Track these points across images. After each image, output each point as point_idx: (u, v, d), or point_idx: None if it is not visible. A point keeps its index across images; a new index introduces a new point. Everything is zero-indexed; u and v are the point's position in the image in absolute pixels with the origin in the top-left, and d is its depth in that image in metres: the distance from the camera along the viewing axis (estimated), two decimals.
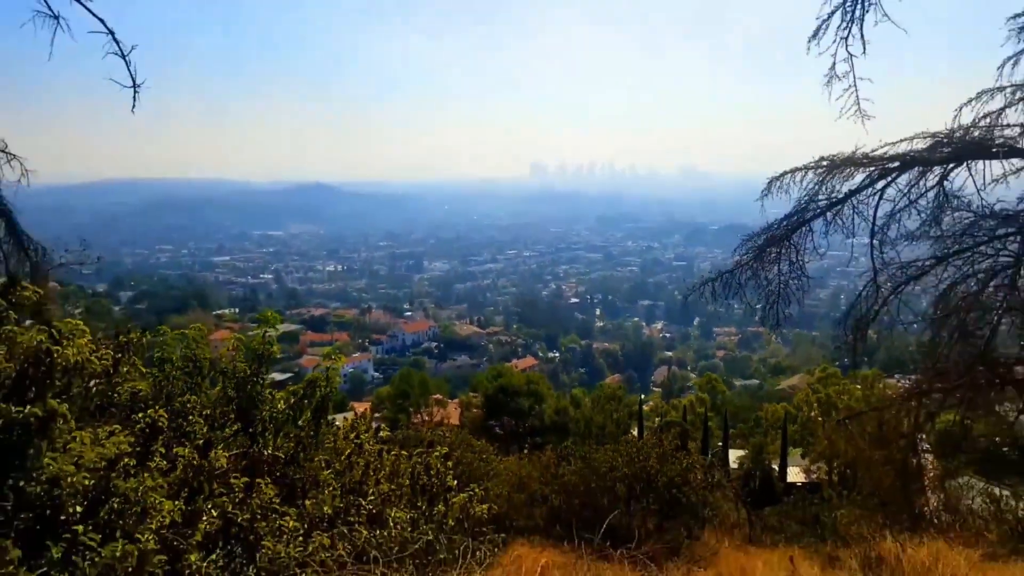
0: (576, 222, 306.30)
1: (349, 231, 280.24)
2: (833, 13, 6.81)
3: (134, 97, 9.60)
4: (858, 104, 6.99)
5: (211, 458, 3.35)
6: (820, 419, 31.51)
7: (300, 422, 4.56)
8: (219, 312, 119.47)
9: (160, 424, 3.13)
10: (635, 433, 33.85)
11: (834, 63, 6.87)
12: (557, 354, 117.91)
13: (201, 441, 3.63)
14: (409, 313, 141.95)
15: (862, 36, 6.93)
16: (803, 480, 28.92)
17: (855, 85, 6.96)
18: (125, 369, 3.76)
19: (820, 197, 7.10)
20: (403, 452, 4.28)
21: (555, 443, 24.39)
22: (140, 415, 3.51)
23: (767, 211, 7.34)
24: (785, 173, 7.38)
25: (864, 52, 6.99)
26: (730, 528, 15.80)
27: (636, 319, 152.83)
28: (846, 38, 6.83)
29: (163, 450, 3.13)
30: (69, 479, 2.68)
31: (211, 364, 4.74)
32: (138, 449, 3.05)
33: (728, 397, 47.05)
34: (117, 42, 9.59)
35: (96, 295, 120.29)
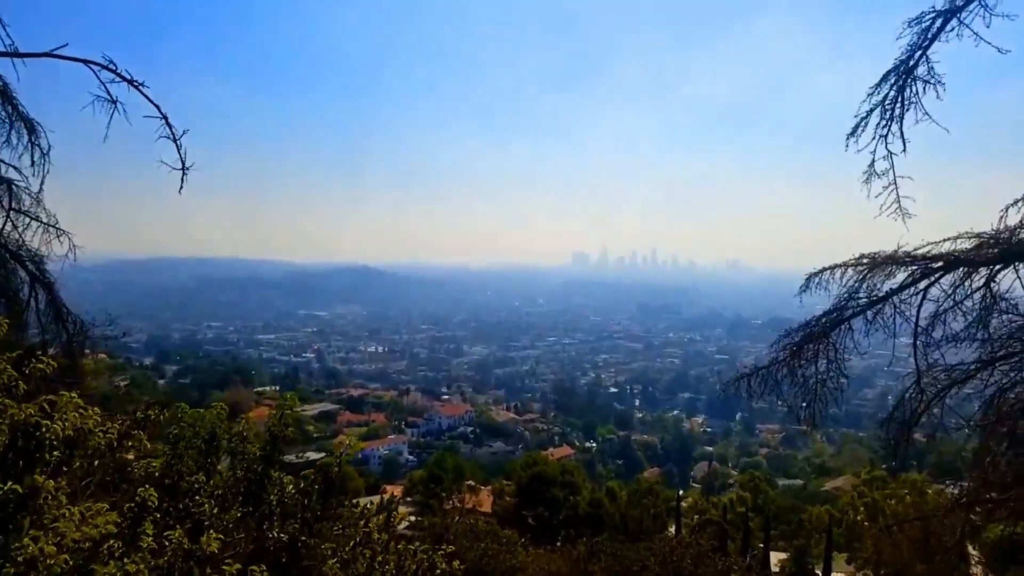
0: (617, 311, 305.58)
1: (392, 313, 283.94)
2: (872, 111, 6.80)
3: (182, 179, 9.97)
4: (898, 202, 6.88)
5: (202, 542, 3.22)
6: (866, 524, 30.07)
7: (308, 505, 4.43)
8: (260, 389, 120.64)
9: (150, 503, 3.02)
10: (672, 530, 32.66)
11: (873, 160, 6.82)
12: (594, 444, 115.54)
13: (191, 524, 3.52)
14: (447, 396, 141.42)
15: (902, 134, 6.89)
16: None
17: (895, 183, 6.88)
18: (131, 444, 3.71)
19: (860, 295, 6.90)
20: (410, 547, 4.08)
21: (589, 536, 23.57)
22: (131, 494, 3.42)
23: (805, 307, 7.16)
24: (824, 269, 7.23)
25: (904, 150, 6.94)
26: None
27: (676, 412, 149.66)
28: (885, 136, 6.79)
29: (150, 532, 3.01)
30: (48, 561, 2.59)
31: (228, 443, 4.67)
32: (126, 530, 2.95)
33: (771, 496, 45.29)
34: (170, 126, 10.02)
35: (143, 368, 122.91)
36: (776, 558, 32.75)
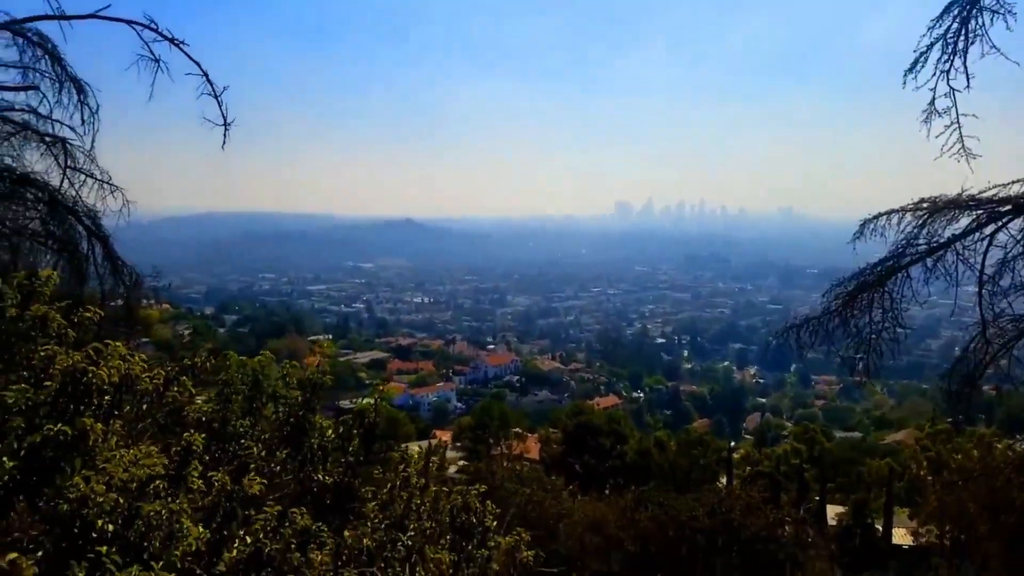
0: (663, 261, 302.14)
1: (435, 265, 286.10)
2: (932, 45, 6.38)
3: (224, 134, 10.01)
4: (961, 142, 6.50)
5: (244, 483, 3.27)
6: (929, 478, 29.40)
7: (350, 450, 4.48)
8: (314, 337, 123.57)
9: (195, 447, 3.08)
10: (723, 482, 32.51)
11: (933, 98, 6.43)
12: (641, 394, 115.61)
13: (235, 466, 3.58)
14: (492, 346, 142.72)
15: (966, 69, 6.46)
16: (911, 543, 26.89)
17: (958, 121, 6.48)
18: (176, 389, 3.78)
19: (919, 241, 6.57)
20: (443, 488, 4.11)
21: (636, 485, 23.71)
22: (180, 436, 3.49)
23: (860, 255, 6.86)
24: (880, 215, 6.90)
25: (968, 86, 6.51)
26: None
27: (727, 362, 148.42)
28: (947, 71, 6.38)
29: (196, 473, 3.08)
30: (98, 499, 2.65)
31: (271, 389, 4.74)
32: (172, 471, 3.01)
33: (827, 449, 44.64)
34: (211, 83, 10.04)
35: (204, 317, 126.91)
36: (833, 511, 32.33)
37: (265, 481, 3.47)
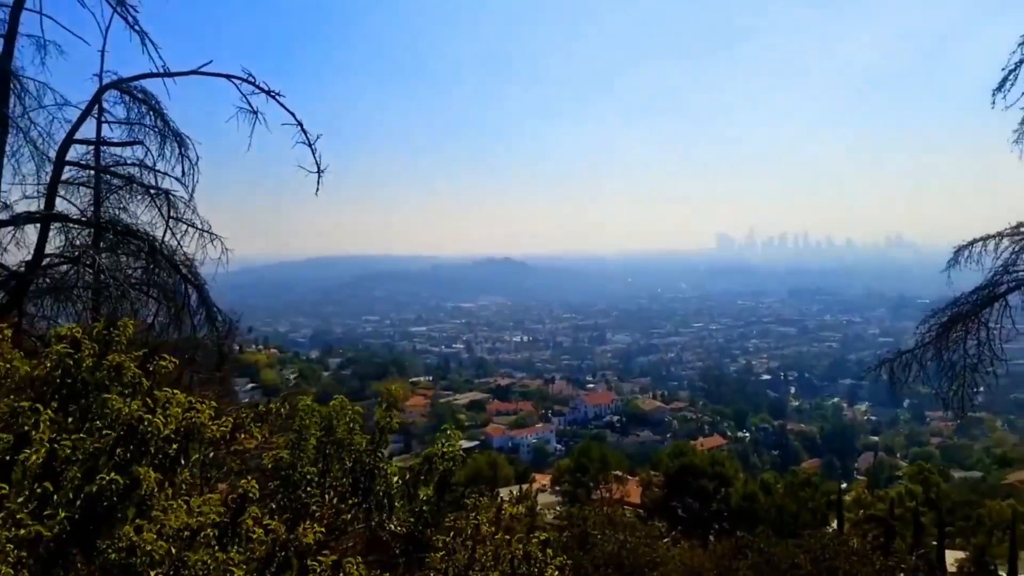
0: (766, 295, 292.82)
1: (534, 303, 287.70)
2: (1022, 61, 5.98)
3: (318, 181, 10.53)
4: None
5: (298, 532, 3.32)
6: None
7: (422, 496, 4.48)
8: (414, 379, 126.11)
9: (252, 495, 3.15)
10: (833, 526, 30.80)
11: None
12: (747, 434, 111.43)
13: (292, 514, 3.64)
14: (591, 385, 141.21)
15: None
16: None
17: None
18: (243, 436, 3.91)
19: (1018, 268, 6.12)
20: (506, 536, 4.03)
21: (744, 530, 22.75)
22: (242, 482, 3.60)
23: (954, 284, 6.44)
24: (975, 241, 6.48)
25: None
26: None
27: (836, 399, 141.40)
28: None
29: (250, 523, 3.14)
30: (147, 547, 2.75)
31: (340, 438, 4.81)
32: (227, 519, 3.09)
33: (944, 490, 41.69)
34: (305, 132, 10.59)
35: (309, 361, 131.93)
36: (952, 557, 30.17)
37: (323, 530, 3.51)
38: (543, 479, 50.34)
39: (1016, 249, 6.01)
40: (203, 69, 10.15)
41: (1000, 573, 27.92)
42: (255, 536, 3.17)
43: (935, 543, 31.56)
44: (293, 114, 10.23)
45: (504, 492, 16.97)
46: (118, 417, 3.15)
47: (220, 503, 3.12)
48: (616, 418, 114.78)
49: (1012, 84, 5.90)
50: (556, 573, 3.87)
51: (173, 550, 2.83)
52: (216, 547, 2.94)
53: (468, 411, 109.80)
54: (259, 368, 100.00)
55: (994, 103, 5.98)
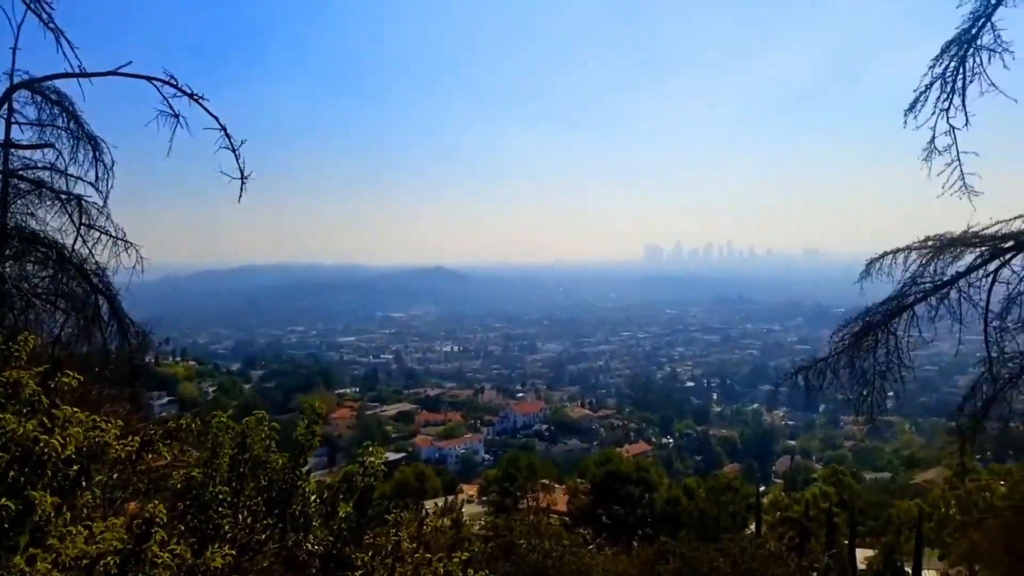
0: (692, 304, 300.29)
1: (466, 312, 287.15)
2: (932, 84, 6.35)
3: (241, 187, 10.22)
4: (963, 179, 6.42)
5: (206, 557, 3.20)
6: (958, 518, 28.52)
7: (341, 514, 4.38)
8: (341, 391, 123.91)
9: (158, 519, 3.01)
10: (753, 528, 31.71)
11: (933, 136, 6.37)
12: (671, 440, 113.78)
13: (198, 537, 3.51)
14: (521, 395, 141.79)
15: (964, 108, 6.42)
16: None
17: (958, 159, 6.42)
18: (149, 456, 3.75)
19: (924, 280, 6.47)
20: (427, 555, 3.98)
21: (666, 535, 23.19)
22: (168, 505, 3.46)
23: (867, 295, 6.77)
24: (886, 254, 6.81)
25: (967, 124, 6.46)
26: None
27: (756, 405, 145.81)
28: (947, 110, 6.34)
29: (155, 548, 3.00)
30: None
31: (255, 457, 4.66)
32: (130, 546, 2.94)
33: (856, 491, 43.42)
34: (229, 137, 10.27)
35: (230, 373, 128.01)
36: (863, 555, 31.44)
37: (233, 552, 3.39)
38: (470, 490, 50.14)
39: (923, 262, 6.36)
40: (122, 70, 9.76)
41: (907, 570, 29.20)
42: (160, 562, 3.04)
43: (847, 542, 32.80)
44: (216, 118, 9.90)
45: (430, 504, 16.83)
46: (12, 438, 2.97)
47: (124, 528, 2.98)
48: (545, 427, 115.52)
49: (922, 105, 6.26)
50: None
51: None
52: (121, 575, 2.81)
53: (396, 422, 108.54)
54: (177, 381, 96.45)
55: (905, 123, 6.33)
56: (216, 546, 3.34)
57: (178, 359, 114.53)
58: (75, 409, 3.25)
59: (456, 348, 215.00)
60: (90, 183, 10.17)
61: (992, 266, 6.31)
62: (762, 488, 47.13)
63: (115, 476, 3.51)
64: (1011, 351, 6.21)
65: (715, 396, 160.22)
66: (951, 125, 6.56)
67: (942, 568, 26.56)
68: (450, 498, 20.61)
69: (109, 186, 10.26)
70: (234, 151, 10.22)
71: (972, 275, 6.37)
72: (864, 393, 6.64)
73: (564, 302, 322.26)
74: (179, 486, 4.50)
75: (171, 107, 10.00)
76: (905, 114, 6.73)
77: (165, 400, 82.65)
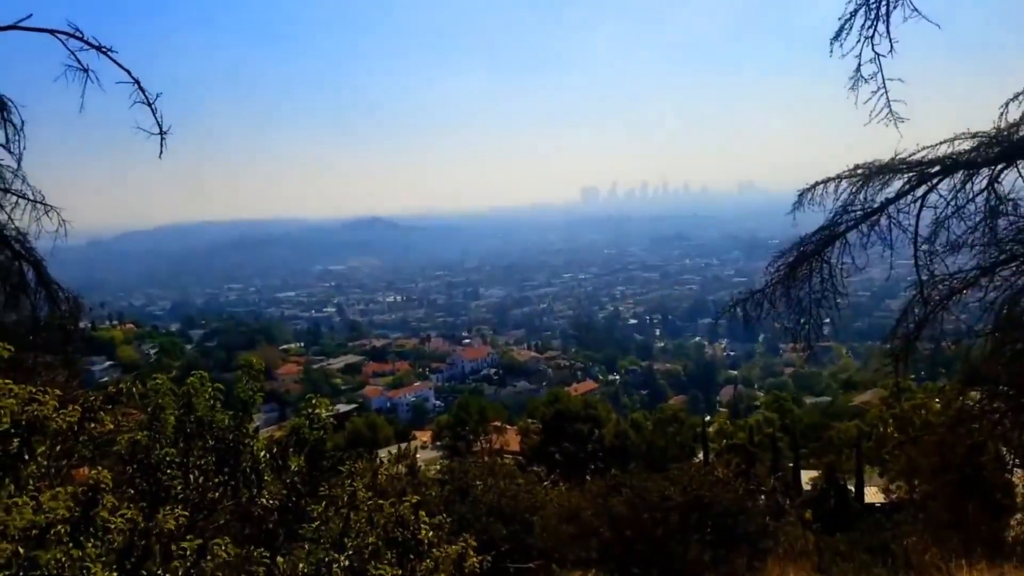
0: (630, 243, 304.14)
1: (406, 263, 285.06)
2: (856, 11, 6.40)
3: (161, 143, 9.76)
4: (889, 107, 6.53)
5: (158, 518, 3.15)
6: (896, 436, 30.02)
7: (293, 467, 4.36)
8: (285, 347, 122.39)
9: (104, 484, 2.94)
10: (700, 457, 32.86)
11: (859, 65, 6.45)
12: (617, 376, 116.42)
13: (149, 499, 3.45)
14: (467, 340, 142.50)
15: (889, 34, 6.50)
16: (883, 501, 27.49)
17: (884, 87, 6.51)
18: (92, 425, 3.64)
19: (855, 208, 6.62)
20: (380, 501, 4.01)
21: (616, 468, 23.85)
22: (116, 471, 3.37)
23: (800, 225, 6.90)
24: (817, 184, 6.92)
25: (892, 51, 6.55)
26: (796, 557, 14.99)
27: (698, 338, 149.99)
28: (871, 37, 6.41)
29: (105, 514, 2.93)
30: None
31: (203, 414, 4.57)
32: (78, 513, 2.88)
33: (798, 415, 45.33)
34: (143, 90, 9.74)
35: (170, 335, 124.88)
36: (807, 476, 32.91)
37: (186, 513, 3.34)
38: (424, 436, 50.65)
39: (854, 190, 6.49)
40: (22, 24, 9.13)
41: (849, 487, 30.67)
42: (113, 527, 2.98)
43: (791, 465, 34.35)
44: (128, 71, 9.36)
45: (384, 453, 16.94)
46: None
47: (71, 496, 2.90)
48: (493, 371, 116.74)
49: (847, 33, 6.30)
50: (431, 532, 3.90)
51: (21, 550, 2.61)
52: (70, 543, 2.74)
53: (343, 375, 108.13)
54: (116, 345, 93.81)
55: (832, 52, 6.38)
56: (168, 508, 3.29)
57: (115, 323, 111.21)
58: (7, 381, 3.11)
59: (399, 298, 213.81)
60: (1, 145, 9.61)
61: (920, 191, 6.48)
62: (707, 418, 48.75)
63: (58, 448, 3.40)
64: (940, 273, 6.43)
65: (657, 332, 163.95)
66: (876, 52, 6.62)
67: (883, 484, 27.92)
68: (403, 446, 20.78)
69: (22, 148, 9.68)
70: (150, 105, 9.71)
71: (901, 201, 6.53)
72: (801, 321, 6.82)
73: (504, 248, 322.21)
74: (125, 451, 4.39)
75: (79, 61, 9.42)
76: (831, 43, 6.76)
77: (106, 365, 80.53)
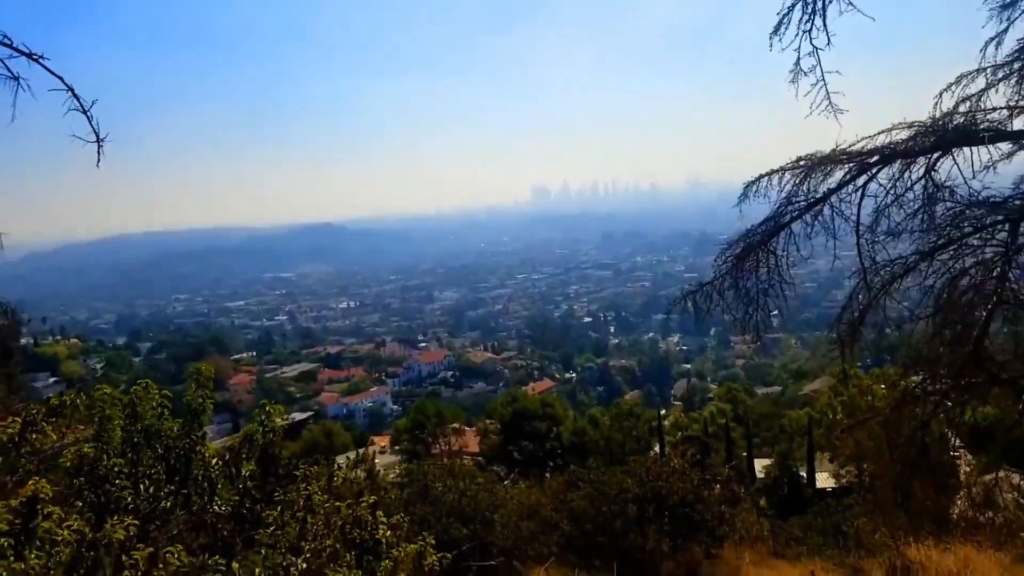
0: (582, 242, 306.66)
1: (359, 268, 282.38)
2: (794, 6, 6.55)
3: (98, 151, 9.50)
4: (828, 99, 6.70)
5: (106, 529, 3.06)
6: (845, 421, 30.84)
7: (245, 473, 4.27)
8: (237, 356, 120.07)
9: (43, 495, 2.83)
10: (657, 450, 33.30)
11: (798, 58, 6.60)
12: (573, 374, 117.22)
13: (95, 510, 3.35)
14: (423, 344, 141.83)
15: (826, 28, 6.67)
16: (834, 485, 28.25)
17: (823, 79, 6.68)
18: (34, 437, 3.51)
19: (799, 198, 6.77)
20: (337, 503, 3.96)
21: (575, 464, 24.02)
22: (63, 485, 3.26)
23: (746, 218, 7.02)
24: (761, 176, 7.05)
25: (829, 44, 6.72)
26: (752, 542, 15.29)
27: (651, 334, 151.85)
28: (809, 31, 6.57)
29: (47, 525, 2.83)
30: None
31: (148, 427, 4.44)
32: (17, 525, 2.77)
33: (750, 406, 46.15)
34: (77, 98, 9.48)
35: (116, 348, 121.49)
36: (760, 464, 33.63)
37: (136, 523, 3.25)
38: (382, 441, 50.22)
39: (797, 182, 6.62)
40: None
41: (801, 473, 31.38)
42: (59, 539, 2.88)
43: (745, 454, 35.05)
44: (61, 78, 9.13)
45: (342, 459, 16.75)
46: None
47: (7, 509, 2.78)
48: (450, 373, 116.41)
49: (786, 27, 6.43)
50: (388, 532, 3.86)
51: None
52: (12, 557, 2.63)
53: (298, 383, 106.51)
54: (60, 360, 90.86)
55: (771, 46, 6.51)
56: (116, 518, 3.18)
57: (58, 338, 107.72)
58: None
59: (352, 304, 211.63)
60: None
61: (860, 181, 6.66)
62: (663, 411, 49.34)
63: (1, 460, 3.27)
64: (882, 260, 6.60)
65: (612, 329, 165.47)
66: (814, 46, 6.79)
67: (833, 469, 28.68)
68: (361, 451, 20.55)
69: None
70: (85, 112, 9.48)
71: (843, 191, 6.70)
72: (749, 312, 6.93)
73: (457, 250, 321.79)
74: (72, 463, 4.26)
75: (9, 69, 9.14)
76: (770, 37, 6.90)
77: (50, 381, 77.89)
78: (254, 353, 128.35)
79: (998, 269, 5.81)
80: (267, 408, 4.46)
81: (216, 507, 4.10)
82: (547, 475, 31.57)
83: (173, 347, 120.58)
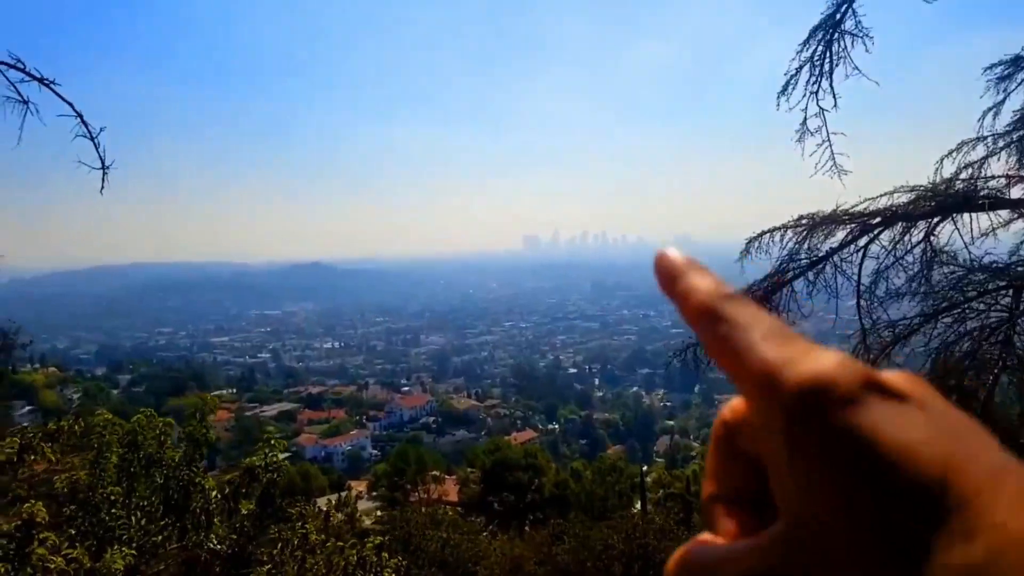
0: (571, 292, 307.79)
1: (345, 308, 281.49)
2: (801, 68, 6.75)
3: (103, 179, 9.55)
4: (833, 159, 6.86)
5: (105, 559, 2.95)
6: None
7: (244, 511, 4.15)
8: (217, 392, 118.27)
9: (39, 519, 2.73)
10: (638, 506, 32.95)
11: (805, 118, 6.77)
12: (556, 426, 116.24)
13: (96, 539, 3.25)
14: (406, 388, 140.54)
15: (832, 89, 6.86)
16: None
17: (828, 140, 6.85)
18: (32, 458, 3.41)
19: (801, 256, 6.86)
20: (339, 543, 3.84)
21: (556, 517, 23.67)
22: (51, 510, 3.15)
23: (749, 274, 7.10)
24: (763, 233, 7.17)
25: (835, 106, 6.91)
26: None
27: (636, 388, 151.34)
28: (816, 92, 6.75)
29: (41, 551, 2.71)
30: None
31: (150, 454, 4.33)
32: (11, 550, 2.66)
33: None
34: (86, 124, 9.55)
35: (95, 379, 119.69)
36: None
37: (134, 553, 3.14)
38: (359, 486, 49.37)
39: (799, 240, 6.70)
40: None
41: None
42: (54, 567, 2.76)
43: None
44: (71, 104, 9.18)
45: (322, 502, 16.43)
46: None
47: (3, 534, 2.67)
48: (432, 419, 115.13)
49: (793, 87, 6.59)
50: (393, 574, 3.75)
51: None
52: None
53: (277, 423, 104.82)
54: (37, 389, 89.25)
55: (779, 105, 6.66)
56: (115, 548, 3.08)
57: (36, 366, 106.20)
58: None
59: (337, 344, 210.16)
60: None
61: (862, 241, 6.77)
62: (645, 467, 48.93)
63: None
64: (882, 321, 6.66)
65: (597, 381, 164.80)
66: (820, 107, 6.99)
67: None
68: (343, 494, 20.18)
69: None
70: (93, 139, 9.54)
71: (844, 251, 6.80)
72: None
73: (445, 294, 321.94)
74: (64, 489, 4.14)
75: (19, 93, 9.20)
76: (778, 96, 7.11)
77: (26, 410, 76.31)
78: (235, 390, 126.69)
79: (1002, 334, 5.86)
80: (272, 442, 4.36)
81: (212, 544, 3.97)
82: (527, 528, 31.11)
83: (153, 380, 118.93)
